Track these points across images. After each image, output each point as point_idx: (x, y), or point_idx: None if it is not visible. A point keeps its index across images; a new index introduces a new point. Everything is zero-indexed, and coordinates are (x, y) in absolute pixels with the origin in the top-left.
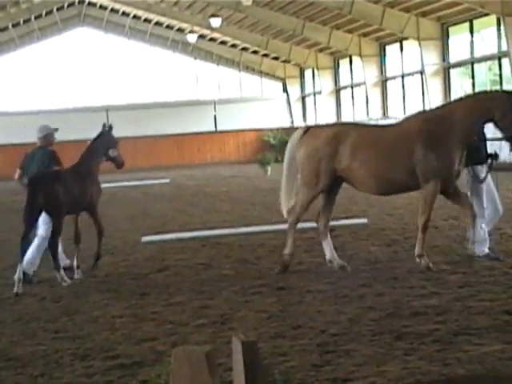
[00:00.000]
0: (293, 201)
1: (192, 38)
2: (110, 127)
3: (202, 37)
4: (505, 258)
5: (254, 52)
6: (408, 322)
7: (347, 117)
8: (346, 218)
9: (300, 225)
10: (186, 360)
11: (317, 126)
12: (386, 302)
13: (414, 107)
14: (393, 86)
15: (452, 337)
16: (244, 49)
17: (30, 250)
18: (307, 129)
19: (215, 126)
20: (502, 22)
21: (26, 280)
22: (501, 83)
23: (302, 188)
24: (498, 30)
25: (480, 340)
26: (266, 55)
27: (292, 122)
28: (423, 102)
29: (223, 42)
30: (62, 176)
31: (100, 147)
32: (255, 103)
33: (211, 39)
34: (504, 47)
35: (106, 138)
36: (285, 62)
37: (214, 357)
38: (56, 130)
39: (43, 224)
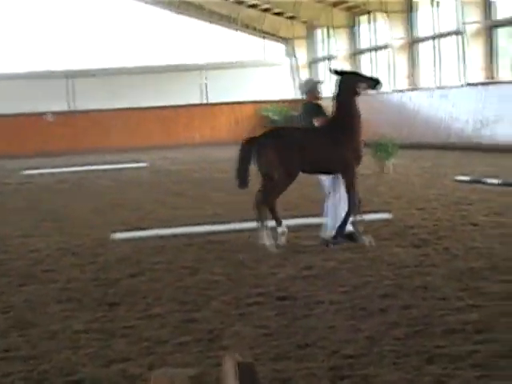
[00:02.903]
0: None
1: None
2: None
3: None
4: None
5: (253, 6)
6: (441, 341)
7: None
8: (365, 212)
9: (309, 220)
10: None
11: None
12: (414, 317)
13: (451, 76)
14: (424, 50)
15: (495, 360)
16: (241, 2)
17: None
18: None
19: (205, 98)
20: None
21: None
22: None
23: None
24: None
25: None
26: (267, 10)
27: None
28: (462, 69)
29: None
30: None
31: None
32: (254, 70)
33: None
34: None
35: None
36: (291, 18)
37: (200, 382)
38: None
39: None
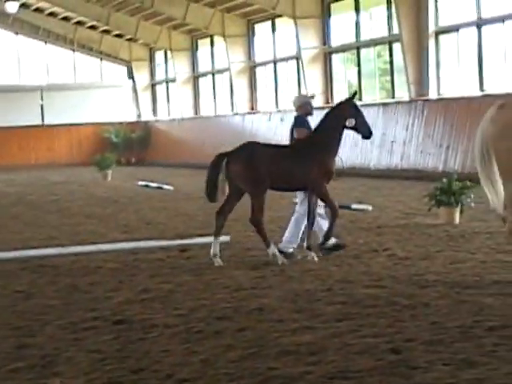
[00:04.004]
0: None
1: (12, 7)
2: None
3: (25, 6)
4: (393, 285)
5: (92, 27)
6: (275, 363)
7: (207, 110)
8: (205, 235)
9: (142, 243)
10: None
11: None
12: (249, 339)
13: (290, 98)
14: (263, 74)
15: (327, 381)
16: (79, 23)
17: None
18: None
19: (42, 119)
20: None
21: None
22: (391, 72)
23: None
24: (389, 9)
25: None
26: (106, 31)
27: (139, 116)
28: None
29: (53, 14)
30: None
31: None
32: (93, 91)
33: (37, 9)
34: (395, 30)
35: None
36: (131, 40)
37: None
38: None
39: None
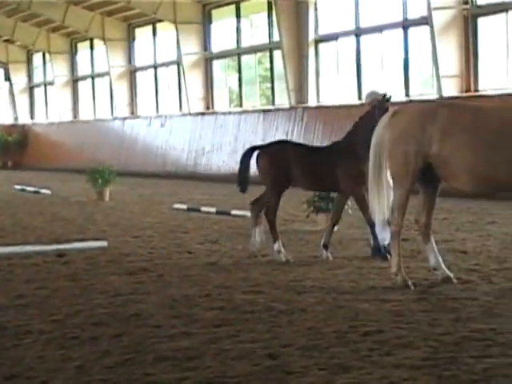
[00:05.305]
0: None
1: None
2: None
3: None
4: (271, 290)
5: None
6: (152, 368)
7: (87, 114)
8: (80, 240)
9: (18, 248)
10: None
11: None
12: (126, 345)
13: (170, 104)
14: (144, 78)
15: None
16: None
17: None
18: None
19: None
20: (273, 6)
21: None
22: (271, 79)
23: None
24: (269, 16)
25: None
26: None
27: (16, 119)
28: (180, 98)
29: None
30: None
31: None
32: None
33: None
34: (276, 37)
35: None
36: (7, 42)
37: None
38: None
39: None
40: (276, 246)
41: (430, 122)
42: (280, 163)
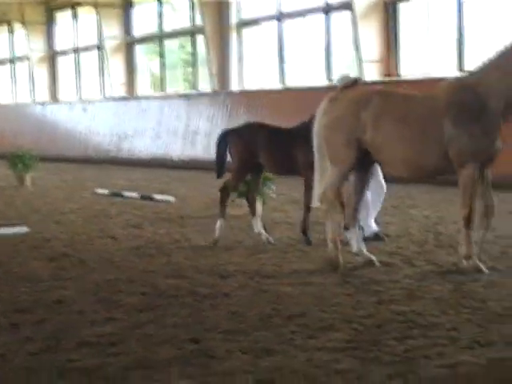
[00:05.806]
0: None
1: None
2: None
3: None
4: (194, 275)
5: None
6: (74, 354)
7: (6, 98)
8: (0, 225)
9: None
10: None
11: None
12: (49, 331)
13: (92, 90)
14: (65, 63)
15: (125, 372)
16: None
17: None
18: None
19: None
20: None
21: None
22: (194, 64)
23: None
24: (191, 0)
25: (160, 375)
26: None
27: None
28: (102, 83)
29: None
30: None
31: None
32: None
33: None
34: (199, 22)
35: None
36: None
37: None
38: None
39: None
40: (218, 224)
41: (364, 109)
42: (247, 145)
